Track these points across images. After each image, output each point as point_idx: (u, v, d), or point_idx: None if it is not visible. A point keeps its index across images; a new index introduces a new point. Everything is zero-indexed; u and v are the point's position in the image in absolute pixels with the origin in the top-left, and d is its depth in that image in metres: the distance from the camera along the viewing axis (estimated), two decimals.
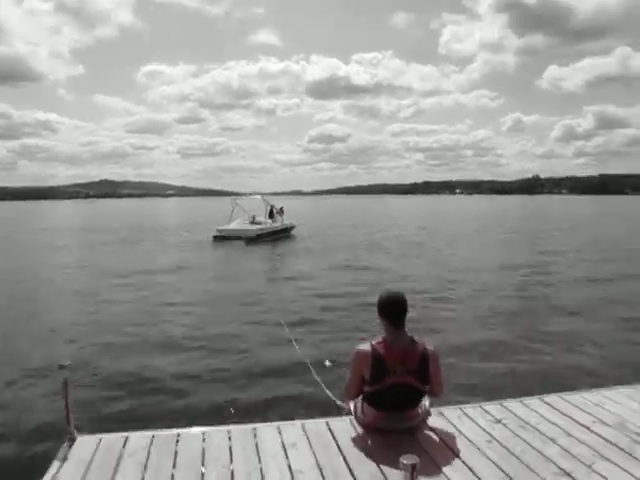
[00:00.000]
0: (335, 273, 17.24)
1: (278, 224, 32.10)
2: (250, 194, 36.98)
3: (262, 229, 29.64)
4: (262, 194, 35.40)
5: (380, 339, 3.49)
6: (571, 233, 33.92)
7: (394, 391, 3.41)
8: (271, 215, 32.38)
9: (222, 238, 28.45)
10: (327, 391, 4.74)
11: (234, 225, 30.15)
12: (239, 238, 27.60)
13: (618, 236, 30.80)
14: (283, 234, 32.19)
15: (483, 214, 66.58)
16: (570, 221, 47.52)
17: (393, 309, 3.51)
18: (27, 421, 5.67)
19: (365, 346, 3.50)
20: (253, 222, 30.71)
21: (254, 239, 28.09)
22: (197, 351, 8.47)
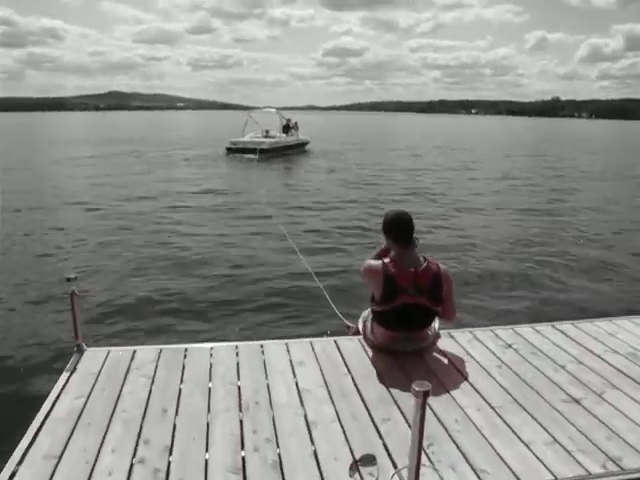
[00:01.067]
0: (347, 190, 17.09)
1: (293, 138, 31.66)
2: (264, 108, 36.05)
3: (276, 142, 29.26)
4: (276, 108, 34.58)
5: (389, 258, 3.39)
6: (590, 157, 33.27)
7: (404, 311, 3.34)
8: (286, 130, 31.87)
9: (235, 151, 28.14)
10: (337, 311, 4.71)
11: (248, 138, 29.72)
12: (252, 151, 27.26)
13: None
14: (297, 149, 31.83)
15: (503, 136, 65.05)
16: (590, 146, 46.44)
17: (399, 227, 3.42)
18: (36, 334, 5.76)
19: (376, 262, 3.41)
20: (267, 136, 30.28)
21: (268, 152, 27.77)
22: (205, 268, 8.48)
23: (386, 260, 3.39)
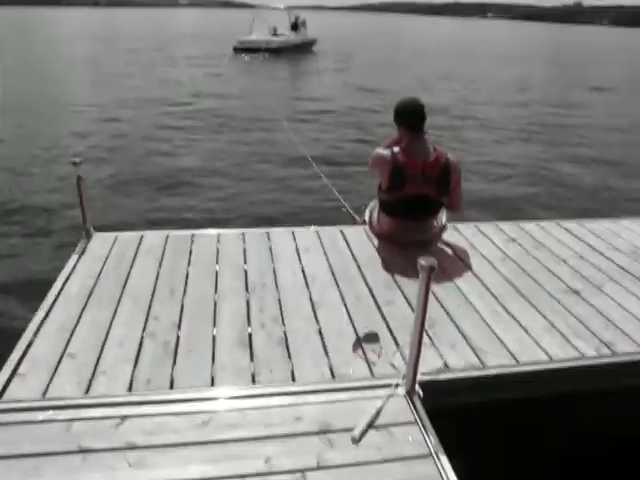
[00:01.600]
0: (356, 93, 16.66)
1: (301, 37, 30.48)
2: (272, 5, 34.46)
3: (285, 41, 28.22)
4: (295, 7, 33.04)
5: (400, 147, 3.34)
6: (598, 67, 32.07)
7: (411, 201, 3.34)
8: (294, 28, 30.61)
9: (243, 50, 27.16)
10: (343, 201, 4.68)
11: (256, 36, 28.58)
12: (261, 50, 26.31)
13: None
14: (306, 48, 30.72)
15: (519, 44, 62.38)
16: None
17: (410, 114, 3.36)
18: (45, 218, 5.86)
19: (385, 150, 3.37)
20: (275, 34, 29.12)
21: (277, 51, 26.84)
22: (213, 159, 8.49)
23: (396, 149, 3.34)
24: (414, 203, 3.34)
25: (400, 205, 3.38)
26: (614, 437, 2.72)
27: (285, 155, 8.60)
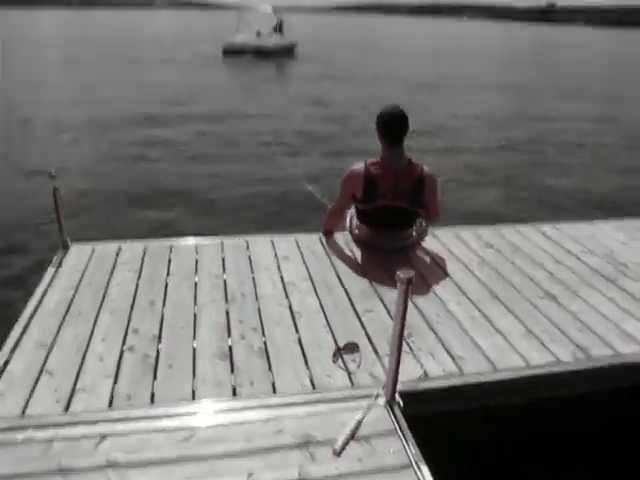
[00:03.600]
0: (341, 92, 16.60)
1: (286, 40, 30.57)
2: (259, 7, 34.28)
3: (277, 44, 28.37)
4: (270, 6, 33.06)
5: (376, 159, 3.37)
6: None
7: (386, 212, 3.38)
8: (279, 29, 30.74)
9: (233, 53, 27.08)
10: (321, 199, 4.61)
11: (245, 39, 28.54)
12: (250, 53, 26.31)
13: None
14: (290, 51, 30.84)
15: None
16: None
17: (390, 124, 3.34)
18: (21, 230, 5.75)
19: (359, 165, 3.39)
20: (259, 36, 29.16)
21: (266, 54, 26.91)
22: (191, 164, 8.42)
23: (371, 161, 3.37)
24: (389, 214, 3.39)
25: (375, 215, 3.43)
26: (593, 444, 2.78)
27: (268, 159, 8.59)
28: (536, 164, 9.44)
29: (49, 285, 3.08)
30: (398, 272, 1.92)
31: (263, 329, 2.70)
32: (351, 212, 3.79)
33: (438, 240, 3.83)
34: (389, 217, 3.41)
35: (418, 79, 21.99)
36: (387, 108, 3.41)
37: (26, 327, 2.66)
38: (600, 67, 34.60)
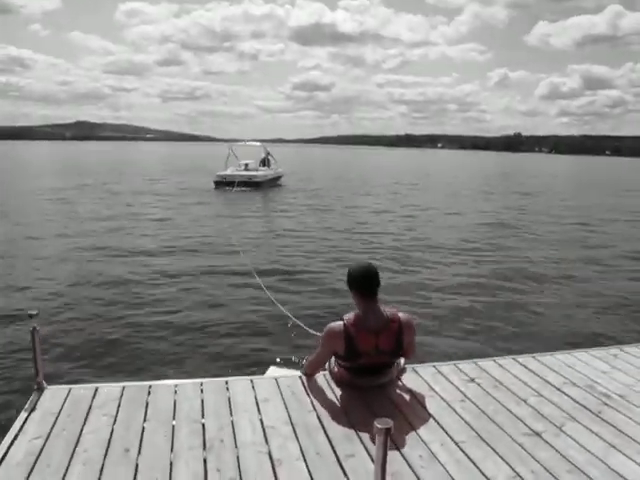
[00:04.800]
0: (327, 231, 16.91)
1: (272, 172, 32.13)
2: (248, 141, 36.39)
3: (265, 176, 29.71)
4: (258, 140, 35.29)
5: (352, 317, 3.39)
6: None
7: (368, 367, 3.45)
8: (264, 163, 32.44)
9: (224, 184, 28.17)
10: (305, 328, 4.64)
11: (235, 171, 29.91)
12: (235, 184, 27.39)
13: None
14: (276, 182, 32.35)
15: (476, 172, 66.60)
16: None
17: (364, 281, 3.40)
18: None
19: (337, 324, 3.39)
20: (246, 169, 30.62)
21: (256, 185, 28.12)
22: (171, 303, 8.41)
23: (348, 318, 3.39)
24: (371, 369, 3.47)
25: (357, 369, 3.48)
26: None
27: (250, 296, 8.67)
28: (507, 295, 9.59)
29: (19, 431, 2.96)
30: (376, 422, 1.90)
31: (242, 479, 2.59)
32: None
33: (418, 376, 3.80)
34: (371, 370, 3.48)
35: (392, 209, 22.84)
36: (356, 265, 3.51)
37: None
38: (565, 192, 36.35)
